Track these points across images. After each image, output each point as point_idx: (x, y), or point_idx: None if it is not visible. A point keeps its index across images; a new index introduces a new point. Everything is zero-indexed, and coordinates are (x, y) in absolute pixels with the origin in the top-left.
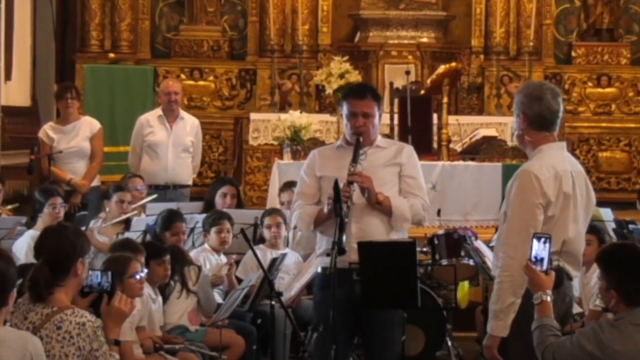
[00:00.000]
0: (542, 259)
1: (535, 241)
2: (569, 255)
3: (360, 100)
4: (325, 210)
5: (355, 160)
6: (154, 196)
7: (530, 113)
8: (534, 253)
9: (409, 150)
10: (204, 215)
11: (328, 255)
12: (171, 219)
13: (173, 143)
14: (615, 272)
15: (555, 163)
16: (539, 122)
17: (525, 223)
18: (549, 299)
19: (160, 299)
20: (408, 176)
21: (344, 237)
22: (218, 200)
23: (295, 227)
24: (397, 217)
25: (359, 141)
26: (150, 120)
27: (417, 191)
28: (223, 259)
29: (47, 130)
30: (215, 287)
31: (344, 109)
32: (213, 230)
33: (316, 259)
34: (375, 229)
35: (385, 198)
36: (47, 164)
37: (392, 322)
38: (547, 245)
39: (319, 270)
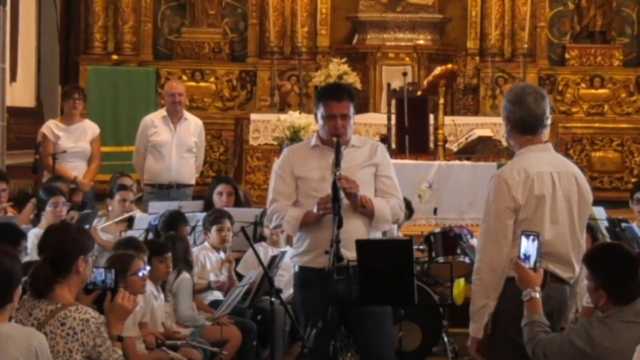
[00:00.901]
0: (529, 257)
1: (523, 239)
2: (553, 257)
3: (338, 103)
4: (315, 211)
5: (338, 164)
6: (138, 195)
7: (513, 117)
8: (522, 251)
9: (382, 149)
10: (204, 214)
11: (326, 253)
12: (175, 222)
13: (177, 143)
14: (602, 272)
15: (529, 166)
16: (521, 125)
17: (494, 228)
18: (537, 295)
19: (162, 295)
20: (384, 176)
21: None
22: (215, 198)
23: (277, 227)
24: (378, 218)
25: (339, 144)
26: (155, 121)
27: (393, 191)
28: (223, 256)
29: (52, 127)
30: (220, 290)
31: (320, 110)
32: (213, 228)
33: (291, 259)
34: (357, 230)
35: (368, 201)
36: (51, 163)
37: (382, 314)
38: (536, 242)
39: (297, 269)
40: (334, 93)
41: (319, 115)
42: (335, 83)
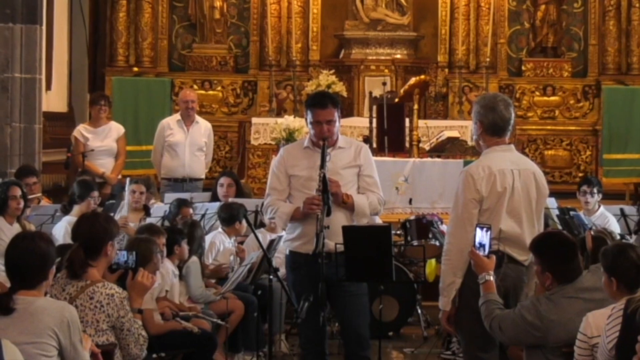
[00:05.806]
0: (483, 245)
1: (478, 230)
2: (510, 242)
3: (322, 110)
4: (302, 209)
5: (322, 166)
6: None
7: (486, 121)
8: (477, 240)
9: (365, 150)
10: (212, 204)
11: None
12: (181, 205)
13: (189, 143)
14: (547, 257)
15: (493, 164)
16: (492, 129)
17: (461, 216)
18: (491, 278)
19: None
20: (366, 175)
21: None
22: (218, 189)
23: (271, 219)
24: (357, 213)
25: (324, 147)
26: (170, 124)
27: (374, 188)
28: (233, 241)
29: (82, 130)
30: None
31: (308, 116)
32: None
33: (283, 244)
34: (340, 222)
35: (349, 197)
36: (81, 160)
37: (359, 293)
38: (489, 233)
39: (288, 253)
40: (319, 101)
41: (308, 121)
42: (321, 92)
